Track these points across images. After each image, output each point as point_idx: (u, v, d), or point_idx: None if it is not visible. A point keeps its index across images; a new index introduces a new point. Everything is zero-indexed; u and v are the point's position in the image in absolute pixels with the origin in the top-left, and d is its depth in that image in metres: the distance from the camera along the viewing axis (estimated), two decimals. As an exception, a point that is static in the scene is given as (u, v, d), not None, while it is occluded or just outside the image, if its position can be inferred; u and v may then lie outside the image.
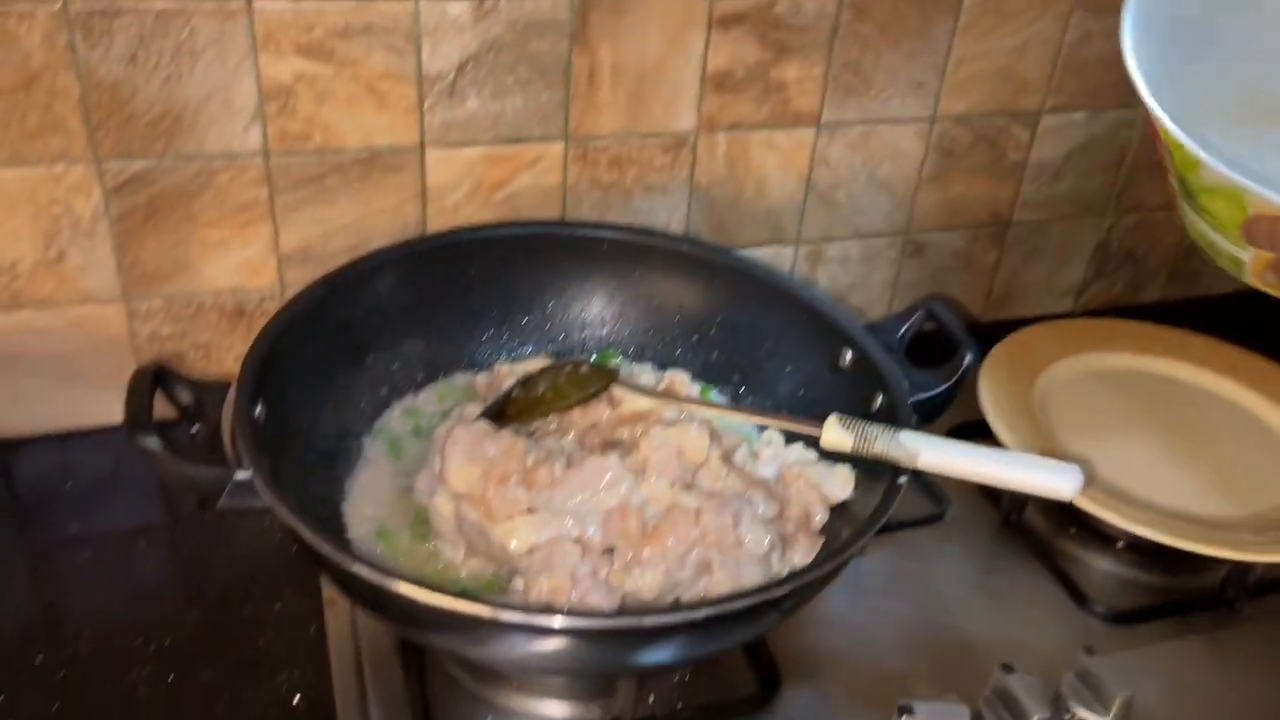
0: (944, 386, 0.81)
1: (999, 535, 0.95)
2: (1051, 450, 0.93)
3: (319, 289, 0.82)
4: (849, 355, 0.84)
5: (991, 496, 0.98)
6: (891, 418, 0.77)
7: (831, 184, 1.05)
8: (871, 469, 0.77)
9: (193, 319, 0.92)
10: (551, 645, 0.61)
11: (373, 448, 0.84)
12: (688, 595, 0.72)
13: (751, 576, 0.72)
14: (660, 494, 0.74)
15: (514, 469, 0.74)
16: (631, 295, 0.94)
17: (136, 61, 0.80)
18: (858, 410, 0.77)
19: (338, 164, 0.89)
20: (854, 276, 1.13)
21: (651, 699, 0.76)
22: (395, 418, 0.87)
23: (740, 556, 0.73)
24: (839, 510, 0.80)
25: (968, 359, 0.82)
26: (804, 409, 0.85)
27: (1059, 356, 1.06)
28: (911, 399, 0.79)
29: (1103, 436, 0.98)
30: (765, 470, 0.82)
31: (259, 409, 0.71)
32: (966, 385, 0.85)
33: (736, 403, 0.92)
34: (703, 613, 0.60)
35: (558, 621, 0.58)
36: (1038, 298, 1.23)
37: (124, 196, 0.85)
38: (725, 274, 0.92)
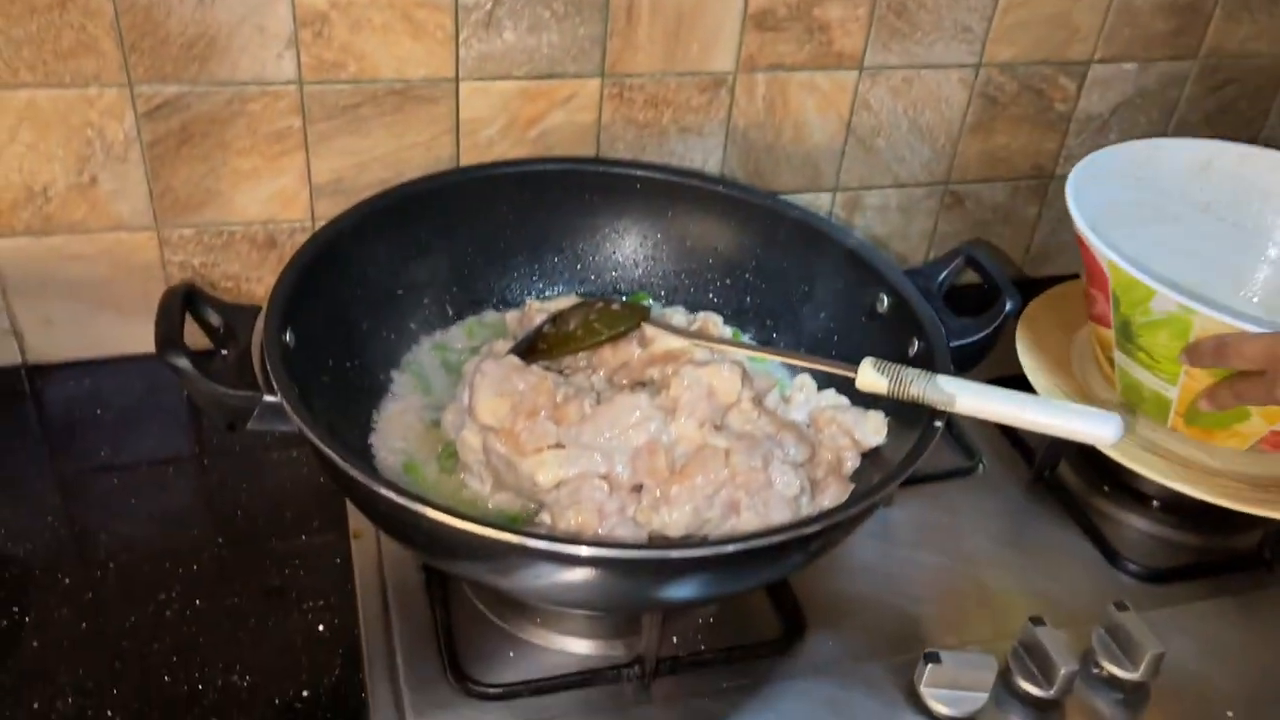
0: (983, 333, 0.79)
1: (1031, 491, 0.93)
2: (1088, 403, 0.91)
3: (351, 218, 0.81)
4: (886, 300, 0.82)
5: (1024, 451, 0.96)
6: (929, 364, 0.75)
7: (872, 129, 1.03)
8: (906, 417, 0.75)
9: (224, 249, 0.92)
10: (576, 575, 0.60)
11: (401, 381, 0.84)
12: (715, 535, 0.72)
13: (780, 519, 0.71)
14: (690, 433, 0.73)
15: (543, 404, 0.73)
16: (665, 236, 0.93)
17: (170, -18, 0.79)
18: (894, 358, 0.76)
19: (372, 94, 0.88)
20: (892, 226, 1.11)
21: (675, 639, 0.76)
22: (424, 352, 0.86)
23: (769, 498, 0.72)
24: (871, 457, 0.79)
25: (1008, 306, 0.80)
26: (838, 355, 0.83)
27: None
28: (950, 345, 0.77)
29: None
30: (797, 414, 0.81)
31: (288, 335, 0.70)
32: (1004, 337, 0.83)
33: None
34: (730, 548, 0.59)
35: (583, 551, 0.58)
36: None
37: (157, 122, 0.84)
38: (761, 215, 0.90)
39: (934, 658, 0.72)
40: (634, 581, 0.62)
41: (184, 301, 0.70)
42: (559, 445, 0.72)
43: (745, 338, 0.91)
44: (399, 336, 0.86)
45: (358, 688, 0.71)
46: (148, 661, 0.72)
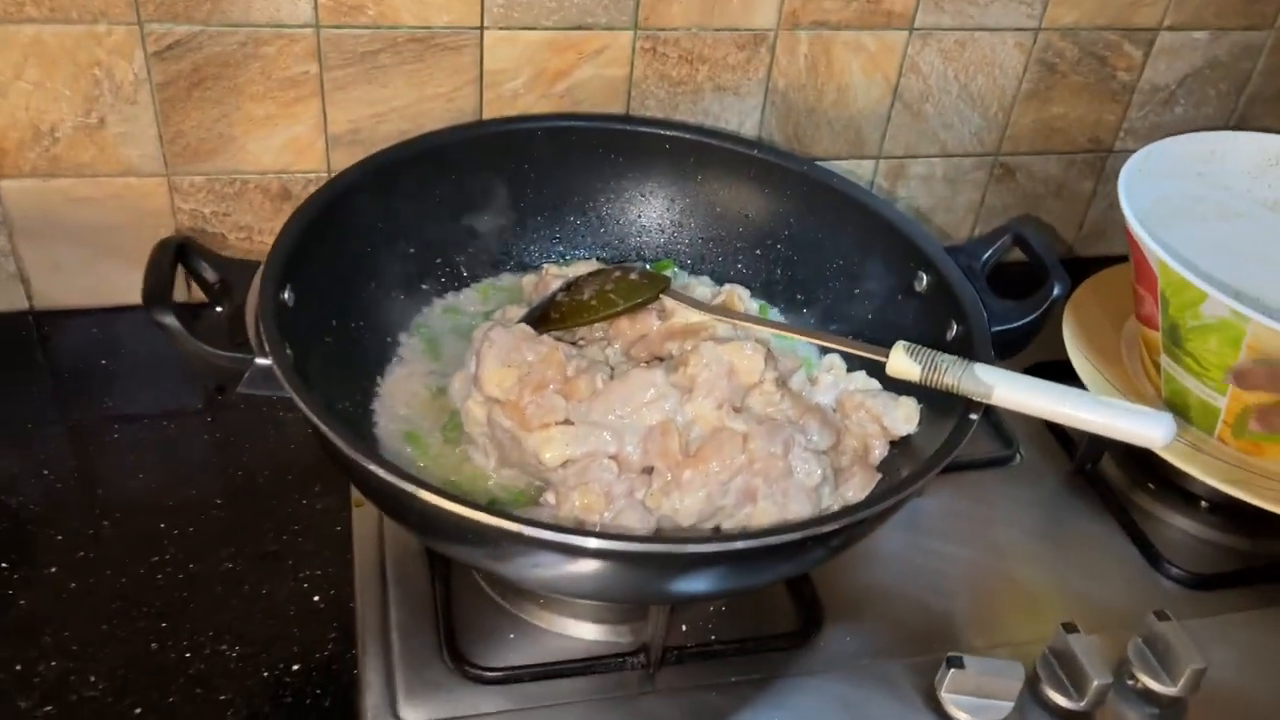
0: (1028, 319, 0.74)
1: (1070, 484, 0.89)
2: (1136, 398, 0.86)
3: (363, 170, 0.78)
4: (925, 279, 0.78)
5: (1064, 442, 0.92)
6: (967, 349, 0.70)
7: (920, 94, 0.97)
8: (940, 405, 0.71)
9: (236, 198, 0.88)
10: (578, 567, 0.57)
11: (409, 345, 0.80)
12: (728, 524, 0.68)
13: (799, 509, 0.68)
14: (706, 414, 0.69)
15: (553, 377, 0.69)
16: (694, 201, 0.88)
17: (181, -87, 0.75)
18: (931, 341, 0.71)
19: (392, 41, 0.83)
20: (937, 198, 1.05)
21: (684, 628, 0.72)
22: (436, 315, 0.83)
23: (788, 488, 0.68)
24: (900, 445, 0.75)
25: (1056, 289, 0.75)
26: (871, 335, 0.79)
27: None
28: (991, 330, 0.72)
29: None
30: (823, 397, 0.77)
31: (287, 293, 0.67)
32: (1050, 321, 0.78)
33: (798, 324, 0.86)
34: (740, 544, 0.55)
35: (583, 542, 0.54)
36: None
37: (167, 62, 0.81)
38: (797, 182, 0.86)
39: (957, 662, 0.68)
40: (638, 575, 0.58)
41: (176, 254, 0.67)
42: (567, 422, 0.68)
43: (774, 312, 0.87)
44: (409, 297, 0.82)
45: (350, 664, 0.69)
46: (136, 625, 0.70)
